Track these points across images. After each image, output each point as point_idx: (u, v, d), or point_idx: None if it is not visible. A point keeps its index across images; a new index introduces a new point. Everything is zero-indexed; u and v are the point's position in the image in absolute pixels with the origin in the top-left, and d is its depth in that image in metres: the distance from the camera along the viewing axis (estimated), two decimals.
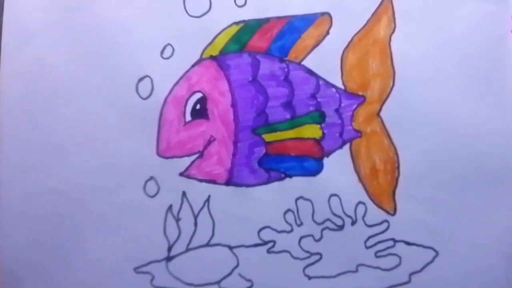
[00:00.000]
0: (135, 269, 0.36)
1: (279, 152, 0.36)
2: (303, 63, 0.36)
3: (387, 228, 0.36)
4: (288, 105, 0.36)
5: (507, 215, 0.36)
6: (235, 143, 0.36)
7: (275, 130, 0.36)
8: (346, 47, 0.37)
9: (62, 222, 0.36)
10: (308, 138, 0.36)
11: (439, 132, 0.36)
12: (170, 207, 0.36)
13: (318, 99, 0.36)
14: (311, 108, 0.36)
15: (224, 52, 0.37)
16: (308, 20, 0.37)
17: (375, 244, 0.36)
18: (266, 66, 0.36)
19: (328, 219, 0.36)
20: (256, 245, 0.36)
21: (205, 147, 0.36)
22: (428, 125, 0.36)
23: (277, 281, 0.36)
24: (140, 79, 0.36)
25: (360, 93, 0.36)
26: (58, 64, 0.36)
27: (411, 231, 0.35)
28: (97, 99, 0.36)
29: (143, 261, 0.36)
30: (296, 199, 0.36)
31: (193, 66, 0.37)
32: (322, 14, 0.37)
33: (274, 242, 0.36)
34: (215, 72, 0.37)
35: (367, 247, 0.36)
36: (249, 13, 0.37)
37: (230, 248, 0.36)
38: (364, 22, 0.37)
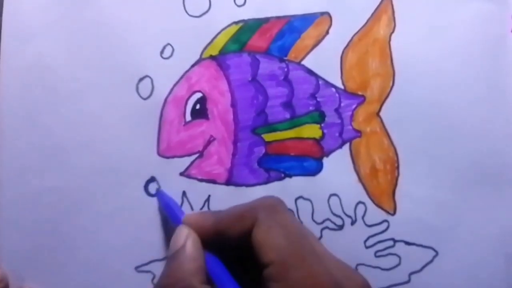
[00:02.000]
0: (136, 268, 0.36)
1: (278, 152, 0.36)
2: (302, 62, 0.36)
3: (387, 228, 0.36)
4: (287, 104, 0.36)
5: (507, 215, 0.36)
6: (234, 143, 0.36)
7: (274, 130, 0.36)
8: (346, 46, 0.36)
9: (62, 221, 0.36)
10: (308, 138, 0.36)
11: (439, 132, 0.36)
12: None
13: (318, 99, 0.36)
14: (310, 108, 0.36)
15: (223, 51, 0.37)
16: (307, 19, 0.37)
17: (375, 244, 0.36)
18: (266, 66, 0.36)
19: (328, 219, 0.36)
20: None
21: (205, 147, 0.36)
22: (428, 125, 0.36)
23: None
24: (140, 79, 0.36)
25: (360, 93, 0.36)
26: (58, 64, 0.36)
27: (410, 231, 0.35)
28: (97, 99, 0.36)
29: (144, 260, 0.36)
30: (296, 199, 0.36)
31: (192, 66, 0.37)
32: (322, 13, 0.37)
33: None
34: (214, 72, 0.36)
35: (366, 247, 0.36)
36: (249, 13, 0.37)
37: None
38: (364, 21, 0.37)
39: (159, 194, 0.36)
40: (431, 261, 0.35)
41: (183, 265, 0.29)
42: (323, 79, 0.36)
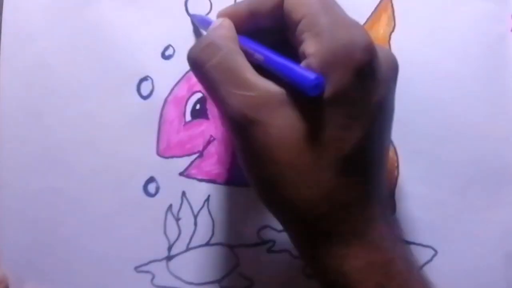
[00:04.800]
0: (136, 268, 0.36)
1: None
2: None
3: None
4: None
5: (506, 215, 0.35)
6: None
7: None
8: None
9: (63, 222, 0.36)
10: None
11: (439, 132, 0.36)
12: (170, 206, 0.36)
13: None
14: None
15: None
16: None
17: None
18: None
19: None
20: (256, 244, 0.36)
21: (205, 146, 0.36)
22: (428, 125, 0.36)
23: (277, 280, 0.36)
24: (141, 80, 0.36)
25: None
26: (59, 64, 0.36)
27: (410, 230, 0.35)
28: (97, 99, 0.36)
29: (144, 260, 0.36)
30: None
31: None
32: None
33: (274, 241, 0.36)
34: None
35: None
36: None
37: (230, 247, 0.36)
38: (364, 20, 0.37)
39: (192, 15, 0.36)
40: (430, 260, 0.35)
41: (220, 31, 0.30)
42: None
